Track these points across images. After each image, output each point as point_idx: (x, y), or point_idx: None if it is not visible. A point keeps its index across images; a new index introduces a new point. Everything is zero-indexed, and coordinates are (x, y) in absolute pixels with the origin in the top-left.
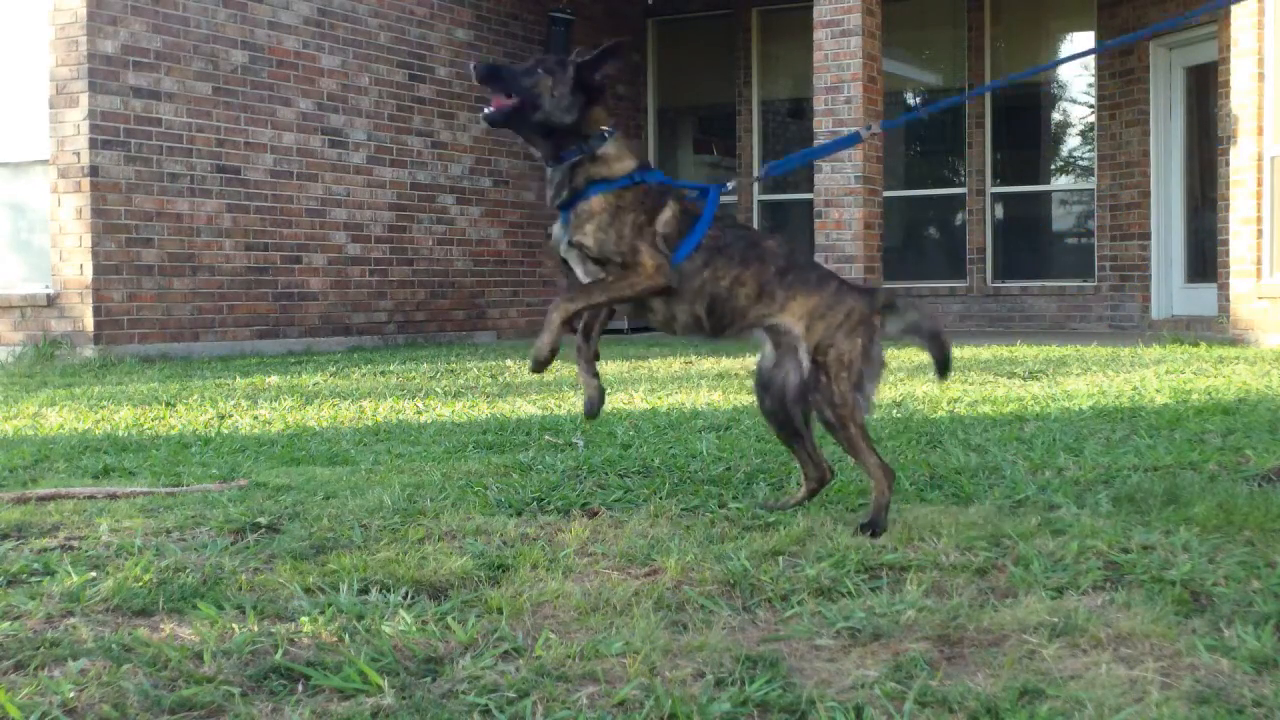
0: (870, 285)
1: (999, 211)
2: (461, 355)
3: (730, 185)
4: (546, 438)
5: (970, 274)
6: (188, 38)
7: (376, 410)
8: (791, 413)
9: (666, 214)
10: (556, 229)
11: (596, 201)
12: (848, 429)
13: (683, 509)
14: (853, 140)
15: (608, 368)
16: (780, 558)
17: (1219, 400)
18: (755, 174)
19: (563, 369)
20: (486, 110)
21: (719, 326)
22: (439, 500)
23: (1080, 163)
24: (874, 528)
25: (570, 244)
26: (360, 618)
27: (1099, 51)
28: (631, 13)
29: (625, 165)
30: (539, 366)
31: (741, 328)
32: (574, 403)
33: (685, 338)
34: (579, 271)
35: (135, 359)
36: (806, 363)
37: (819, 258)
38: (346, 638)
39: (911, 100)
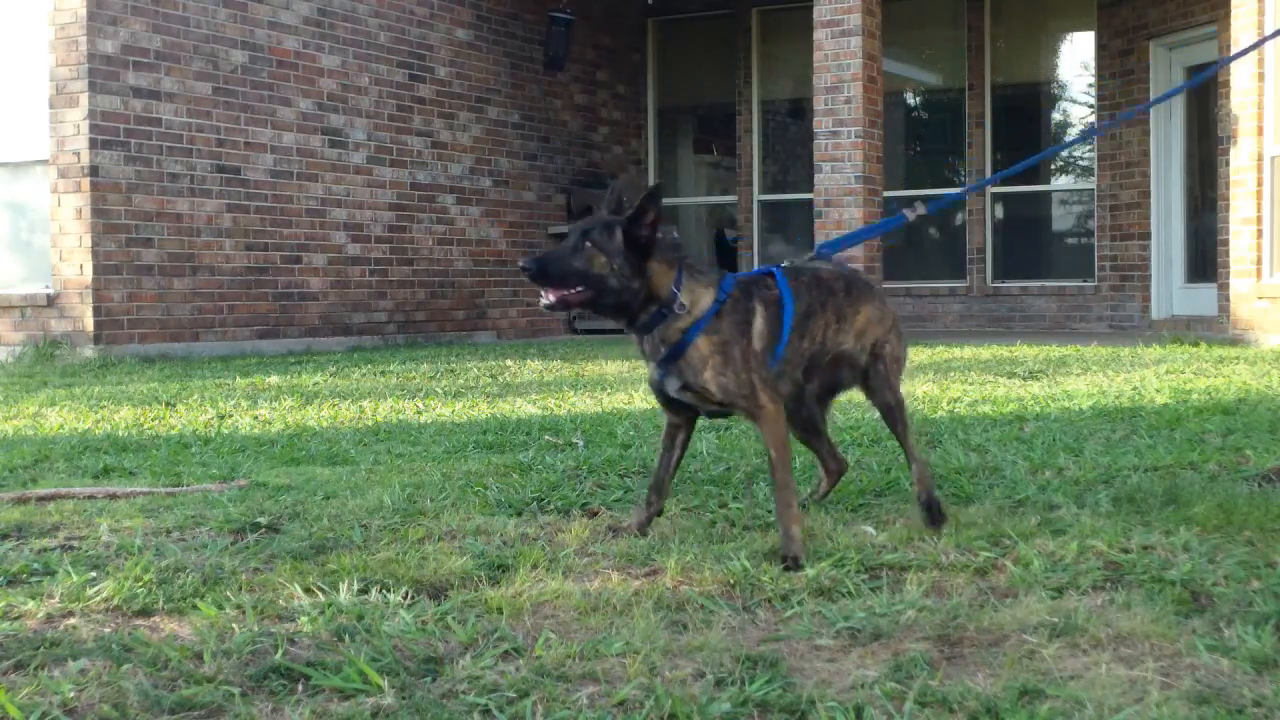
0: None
1: (999, 211)
2: (461, 355)
3: (785, 263)
4: (546, 438)
5: (970, 274)
6: (188, 38)
7: (376, 410)
8: (813, 412)
9: (759, 323)
10: (655, 371)
11: (703, 345)
12: (906, 415)
13: (683, 509)
14: (898, 221)
15: (607, 368)
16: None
17: (1219, 400)
18: (812, 253)
19: (563, 368)
20: (547, 300)
21: (811, 375)
22: (439, 500)
23: (1080, 163)
24: (935, 509)
25: (686, 387)
26: (360, 618)
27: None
28: (631, 12)
29: (705, 301)
30: (798, 567)
31: (827, 362)
32: (574, 403)
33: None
34: (694, 405)
35: (135, 359)
36: (864, 358)
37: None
38: (346, 638)
39: (911, 100)
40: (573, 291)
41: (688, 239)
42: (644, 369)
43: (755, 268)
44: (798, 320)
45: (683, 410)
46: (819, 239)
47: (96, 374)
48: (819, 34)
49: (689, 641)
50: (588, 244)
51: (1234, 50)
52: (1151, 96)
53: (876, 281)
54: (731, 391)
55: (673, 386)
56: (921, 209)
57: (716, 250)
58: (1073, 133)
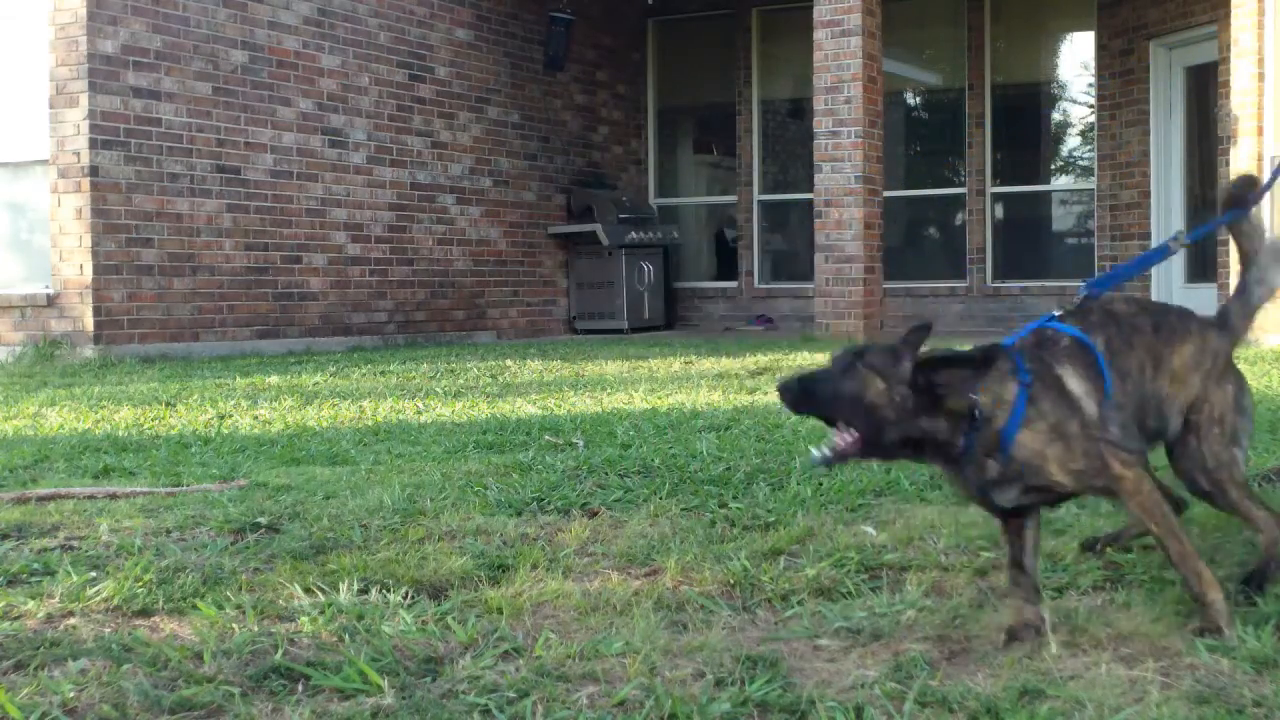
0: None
1: (999, 211)
2: (461, 355)
3: (1058, 313)
4: (546, 438)
5: (970, 274)
6: (188, 38)
7: (376, 410)
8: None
9: (1073, 383)
10: (972, 475)
11: (1028, 440)
12: (1227, 494)
13: (683, 509)
14: (1163, 253)
15: (607, 368)
16: (780, 558)
17: None
18: (1079, 292)
19: (563, 368)
20: (821, 456)
21: (1162, 426)
22: (439, 500)
23: (1080, 163)
24: (1260, 580)
25: (1028, 491)
26: (360, 618)
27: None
28: (631, 12)
29: (1010, 387)
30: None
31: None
32: (574, 403)
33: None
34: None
35: (135, 359)
36: (1176, 424)
37: (819, 258)
38: (346, 638)
39: (911, 100)
40: (852, 441)
41: (688, 239)
42: (644, 369)
43: (1021, 328)
44: (1109, 357)
45: (1022, 512)
46: (819, 239)
47: (96, 374)
48: (819, 34)
49: (689, 641)
50: (860, 365)
51: (1233, 49)
52: (1151, 96)
53: (875, 282)
54: (1085, 474)
55: (1009, 498)
56: (1184, 239)
57: (716, 250)
58: (1073, 133)
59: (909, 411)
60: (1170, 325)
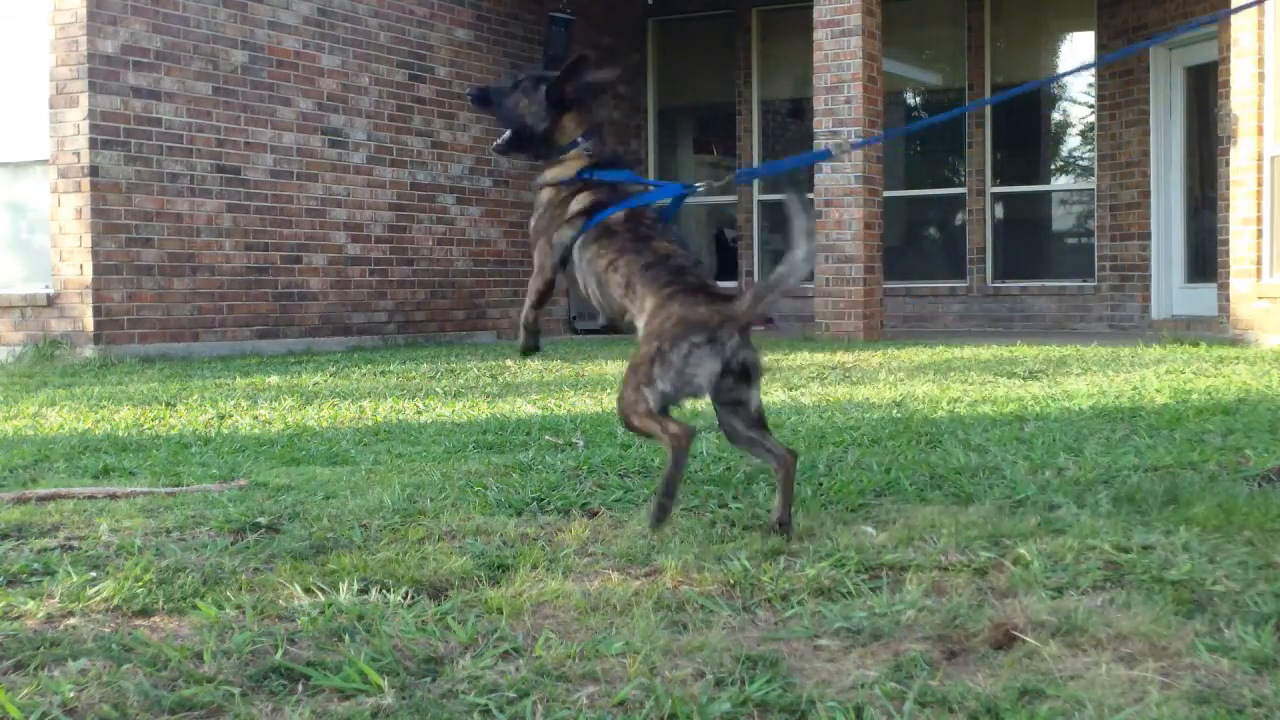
0: (730, 290)
1: (999, 211)
2: (461, 355)
3: (698, 187)
4: (546, 438)
5: (970, 274)
6: (188, 38)
7: (376, 410)
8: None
9: (575, 207)
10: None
11: (542, 192)
12: (630, 422)
13: (683, 509)
14: (823, 155)
15: (607, 368)
16: (780, 558)
17: (1219, 400)
18: (731, 176)
19: (563, 368)
20: (497, 144)
21: (609, 310)
22: (439, 500)
23: (1080, 163)
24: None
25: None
26: (360, 618)
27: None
28: (631, 13)
29: (572, 167)
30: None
31: (625, 316)
32: (574, 403)
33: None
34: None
35: (135, 359)
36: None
37: (819, 258)
38: (346, 638)
39: (911, 100)
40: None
41: (688, 238)
42: None
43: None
44: (596, 230)
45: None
46: (819, 239)
47: (96, 374)
48: (819, 34)
49: (689, 641)
50: (519, 87)
51: (1233, 49)
52: (1151, 96)
53: (874, 282)
54: (531, 230)
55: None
56: (853, 138)
57: (717, 250)
58: (1073, 133)
59: (537, 123)
60: (655, 275)
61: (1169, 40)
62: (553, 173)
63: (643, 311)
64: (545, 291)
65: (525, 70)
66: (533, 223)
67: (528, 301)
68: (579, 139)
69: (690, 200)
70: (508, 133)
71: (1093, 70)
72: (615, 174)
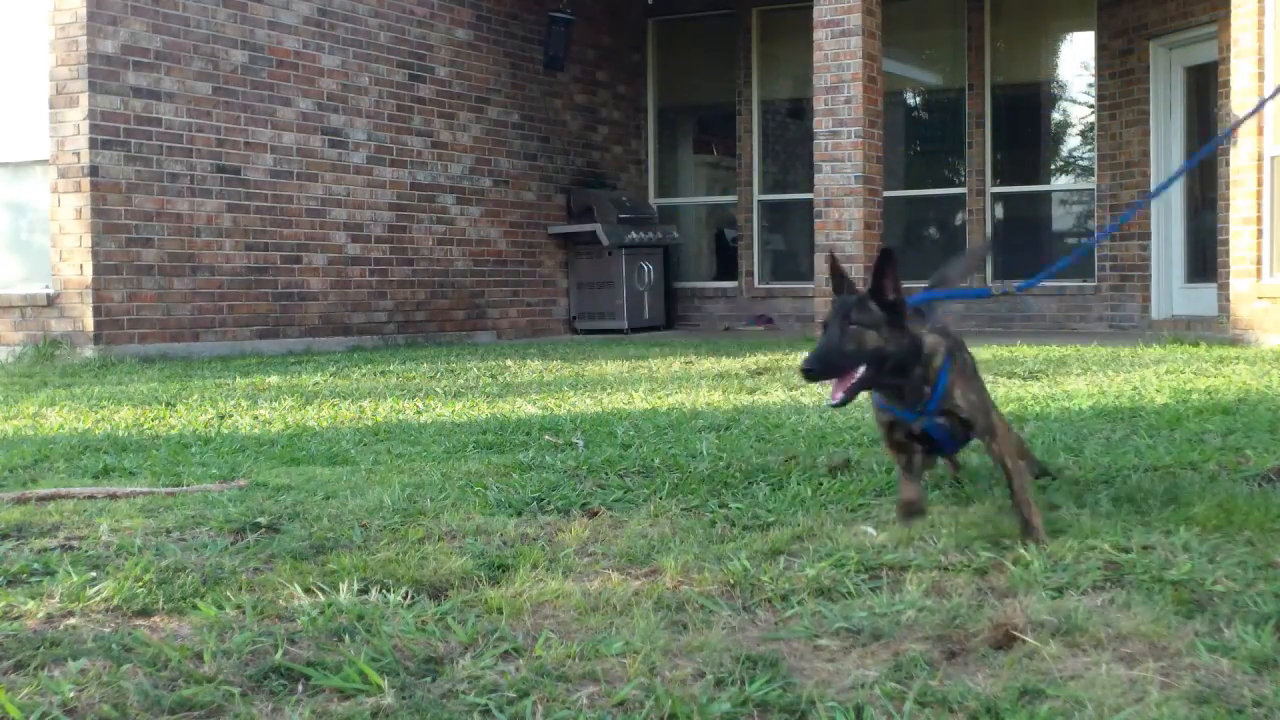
0: None
1: (999, 211)
2: (461, 355)
3: (1006, 288)
4: (546, 438)
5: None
6: (188, 38)
7: (376, 410)
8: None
9: (968, 358)
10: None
11: (955, 377)
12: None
13: (683, 509)
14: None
15: (607, 368)
16: (780, 558)
17: (1219, 400)
18: (1004, 288)
19: (563, 368)
20: (837, 397)
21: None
22: (439, 500)
23: (1080, 163)
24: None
25: (942, 413)
26: (360, 618)
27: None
28: (631, 12)
29: (932, 340)
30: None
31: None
32: (574, 403)
33: None
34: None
35: (135, 359)
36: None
37: (819, 258)
38: (346, 638)
39: (911, 100)
40: (859, 376)
41: (688, 239)
42: (644, 369)
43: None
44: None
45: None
46: (819, 239)
47: (96, 374)
48: (819, 34)
49: (689, 641)
50: (851, 325)
51: (1233, 49)
52: (1151, 96)
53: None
54: (975, 406)
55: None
56: (1012, 286)
57: (716, 250)
58: (1073, 133)
59: (897, 344)
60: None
61: (1170, 39)
62: (937, 363)
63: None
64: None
65: (834, 306)
66: (969, 397)
67: (1020, 477)
68: (924, 336)
69: (690, 200)
70: (855, 380)
71: (1093, 70)
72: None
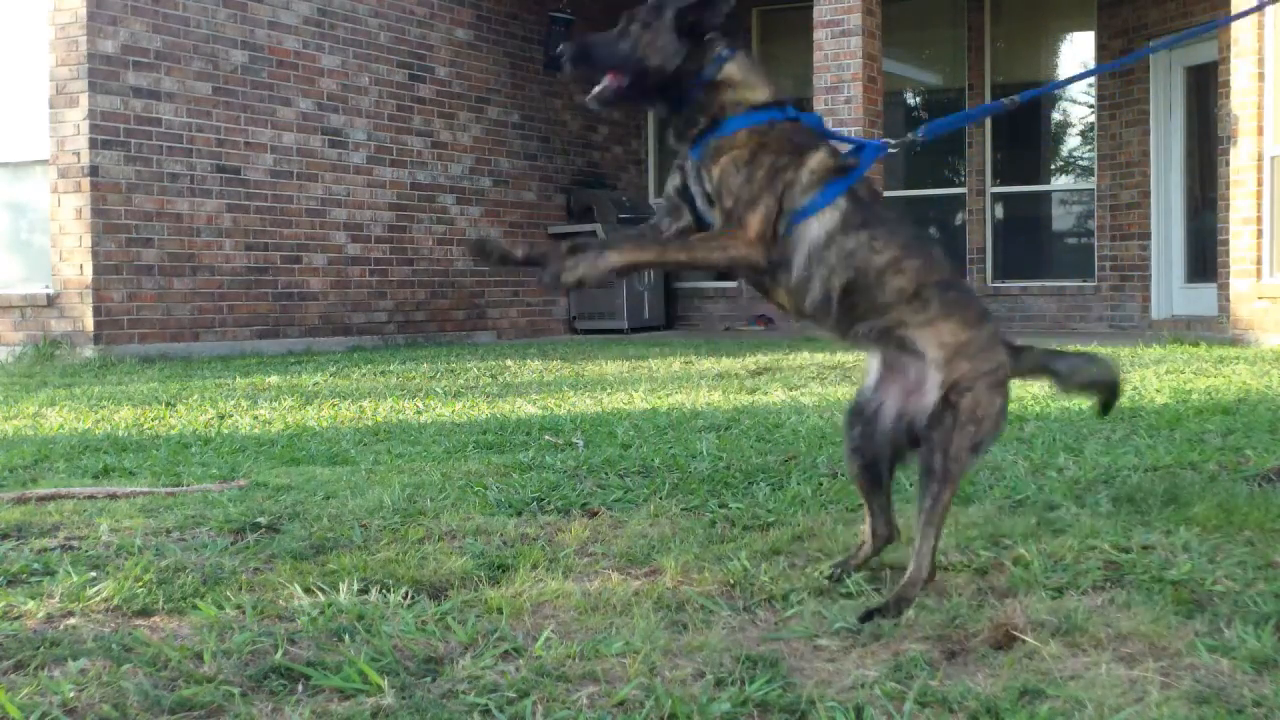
0: (1019, 343)
1: (999, 211)
2: (461, 355)
3: (893, 144)
4: (546, 438)
5: (970, 274)
6: (188, 38)
7: (376, 410)
8: (880, 449)
9: (817, 157)
10: (675, 177)
11: (741, 134)
12: (945, 490)
13: (683, 509)
14: (998, 107)
15: (607, 368)
16: (780, 557)
17: (1219, 400)
18: (912, 134)
19: (563, 368)
20: (596, 91)
21: (852, 315)
22: (439, 500)
23: (1080, 163)
24: (890, 610)
25: (690, 173)
26: (360, 618)
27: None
28: None
29: (762, 93)
30: (556, 288)
31: (875, 328)
32: (574, 403)
33: (802, 321)
34: (679, 201)
35: (135, 359)
36: (934, 396)
37: None
38: (346, 638)
39: (911, 100)
40: (618, 80)
41: None
42: (644, 369)
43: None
44: (850, 203)
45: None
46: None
47: (96, 374)
48: (819, 34)
49: (689, 641)
50: (633, 27)
51: (1233, 49)
52: (1151, 96)
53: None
54: (727, 190)
55: (679, 170)
56: (1016, 99)
57: None
58: (1073, 133)
59: (666, 56)
60: (963, 295)
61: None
62: (733, 100)
63: (934, 336)
64: (750, 268)
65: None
66: (728, 178)
67: (683, 257)
68: (722, 54)
69: None
70: (610, 80)
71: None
72: (809, 117)
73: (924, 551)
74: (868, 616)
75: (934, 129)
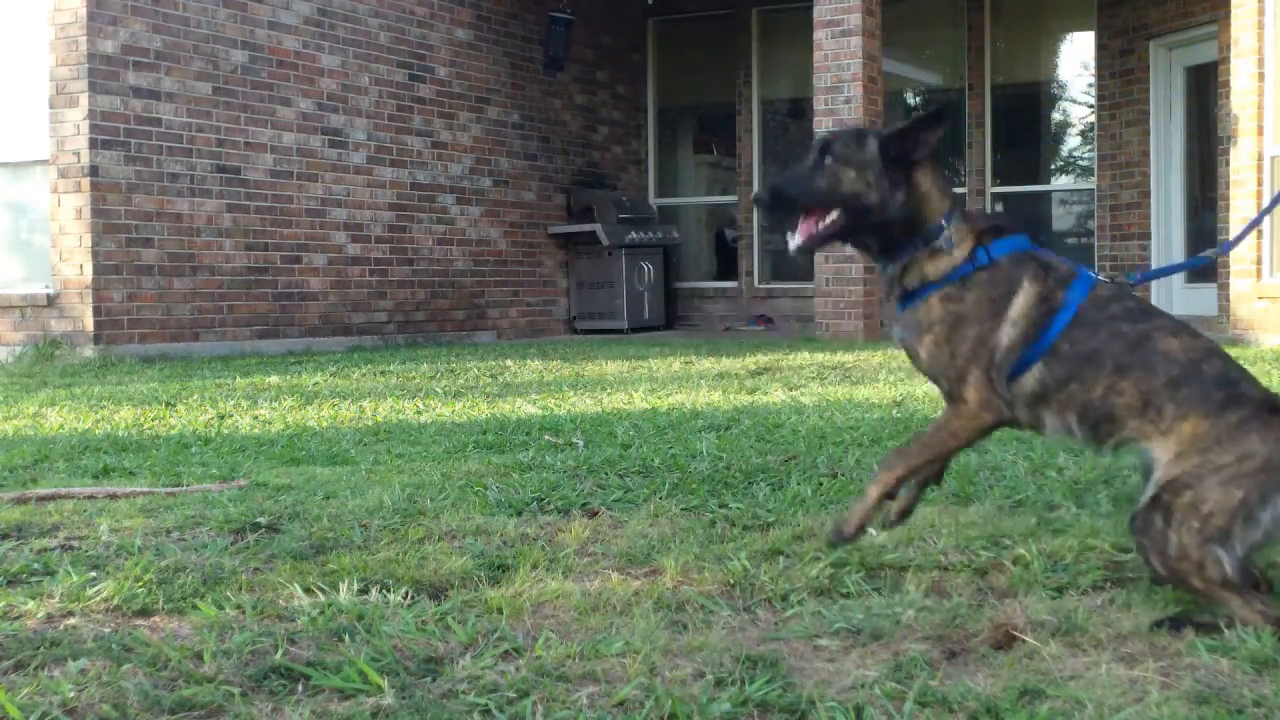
0: None
1: (999, 211)
2: (461, 355)
3: (1103, 277)
4: (546, 438)
5: None
6: (188, 38)
7: (376, 410)
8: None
9: (1019, 305)
10: (895, 326)
11: (936, 306)
12: (1189, 582)
13: (683, 509)
14: (1204, 261)
15: (607, 368)
16: (780, 558)
17: None
18: (1130, 278)
19: (563, 368)
20: (795, 242)
21: (1097, 437)
22: (439, 500)
23: (1080, 163)
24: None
25: (904, 346)
26: (360, 618)
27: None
28: (631, 12)
29: (960, 252)
30: (841, 542)
31: (1120, 440)
32: (574, 403)
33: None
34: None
35: (135, 359)
36: (1147, 494)
37: (819, 258)
38: (346, 638)
39: (911, 100)
40: (829, 223)
41: (688, 239)
42: (644, 369)
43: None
44: (1070, 346)
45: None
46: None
47: (96, 374)
48: (819, 34)
49: (689, 641)
50: (829, 159)
51: (1233, 49)
52: (1151, 96)
53: (872, 282)
54: (939, 370)
55: (895, 335)
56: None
57: (716, 250)
58: (1073, 133)
59: (885, 195)
60: (1199, 389)
61: (1170, 39)
62: (934, 268)
63: (1174, 436)
64: (993, 429)
65: (822, 134)
66: (934, 361)
67: (915, 450)
68: (943, 220)
69: (691, 200)
70: (826, 228)
71: (1093, 70)
72: (1011, 242)
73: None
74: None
75: (1145, 277)
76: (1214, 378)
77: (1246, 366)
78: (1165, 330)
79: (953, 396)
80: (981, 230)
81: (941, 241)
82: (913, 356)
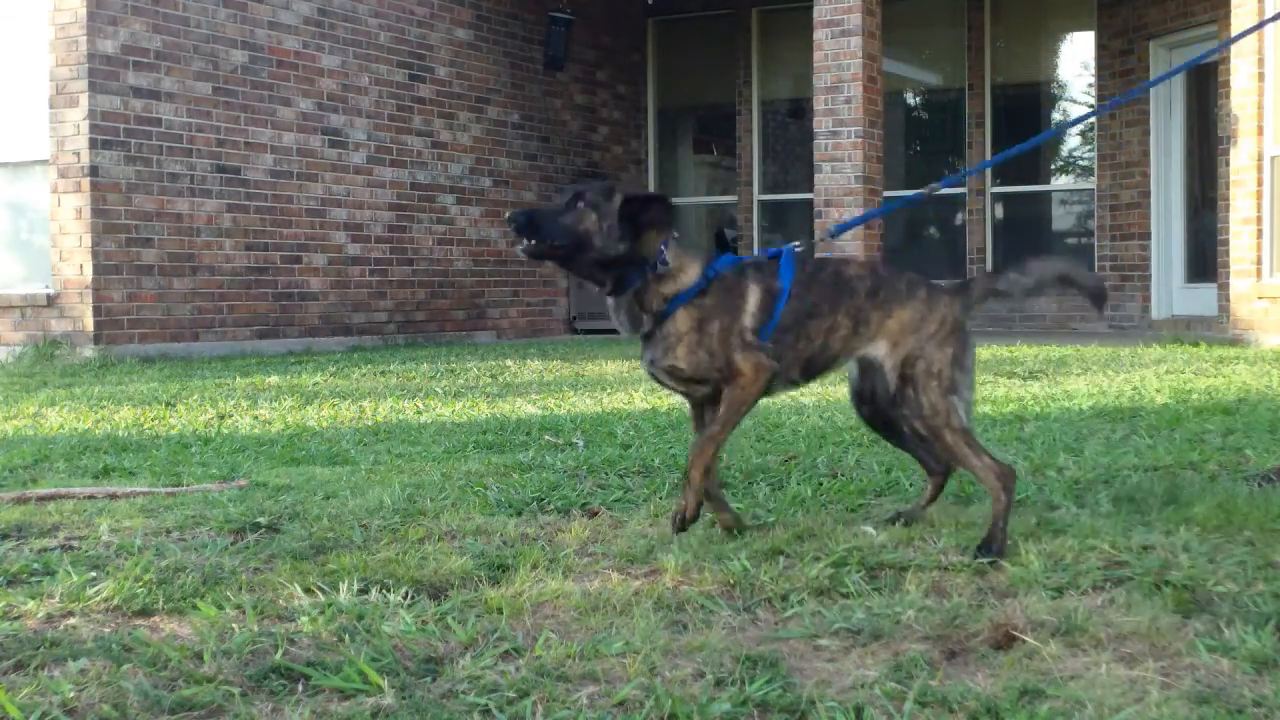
0: (965, 280)
1: (999, 211)
2: (461, 355)
3: (798, 246)
4: (546, 438)
5: (970, 274)
6: (188, 38)
7: (376, 410)
8: (892, 416)
9: (752, 302)
10: (645, 355)
11: (681, 320)
12: (942, 437)
13: None
14: (916, 199)
15: (607, 368)
16: (780, 557)
17: (1219, 400)
18: (820, 235)
19: (563, 368)
20: (522, 246)
21: (812, 376)
22: (439, 500)
23: (1080, 163)
24: (991, 547)
25: (659, 369)
26: (360, 618)
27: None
28: (631, 12)
29: (691, 274)
30: (685, 528)
31: (834, 368)
32: (574, 403)
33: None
34: (675, 389)
35: (135, 359)
36: (893, 379)
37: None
38: (346, 638)
39: (911, 100)
40: (558, 248)
41: (688, 238)
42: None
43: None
44: (792, 316)
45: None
46: (819, 238)
47: (96, 374)
48: (819, 34)
49: (689, 641)
50: (580, 204)
51: (1234, 49)
52: (1152, 96)
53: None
54: (704, 369)
55: (649, 363)
56: (937, 187)
57: (716, 250)
58: (1073, 133)
59: (612, 242)
60: (892, 290)
61: (1170, 39)
62: (670, 287)
63: (881, 331)
64: (770, 383)
65: (570, 187)
66: (694, 355)
67: (720, 430)
68: (661, 248)
69: (691, 200)
70: (556, 249)
71: (1093, 70)
72: (725, 259)
73: (980, 471)
74: (981, 552)
75: (840, 229)
76: (897, 275)
77: (1247, 367)
78: (851, 264)
79: (727, 378)
80: (703, 255)
81: (660, 264)
82: (671, 373)
